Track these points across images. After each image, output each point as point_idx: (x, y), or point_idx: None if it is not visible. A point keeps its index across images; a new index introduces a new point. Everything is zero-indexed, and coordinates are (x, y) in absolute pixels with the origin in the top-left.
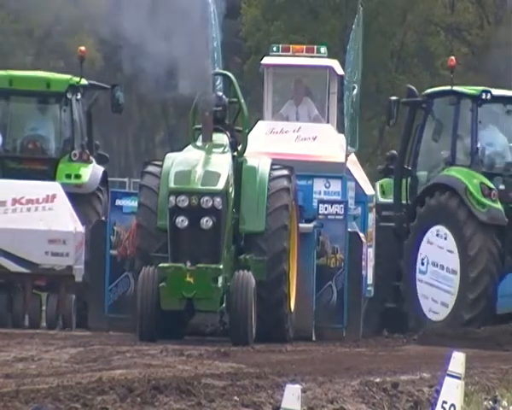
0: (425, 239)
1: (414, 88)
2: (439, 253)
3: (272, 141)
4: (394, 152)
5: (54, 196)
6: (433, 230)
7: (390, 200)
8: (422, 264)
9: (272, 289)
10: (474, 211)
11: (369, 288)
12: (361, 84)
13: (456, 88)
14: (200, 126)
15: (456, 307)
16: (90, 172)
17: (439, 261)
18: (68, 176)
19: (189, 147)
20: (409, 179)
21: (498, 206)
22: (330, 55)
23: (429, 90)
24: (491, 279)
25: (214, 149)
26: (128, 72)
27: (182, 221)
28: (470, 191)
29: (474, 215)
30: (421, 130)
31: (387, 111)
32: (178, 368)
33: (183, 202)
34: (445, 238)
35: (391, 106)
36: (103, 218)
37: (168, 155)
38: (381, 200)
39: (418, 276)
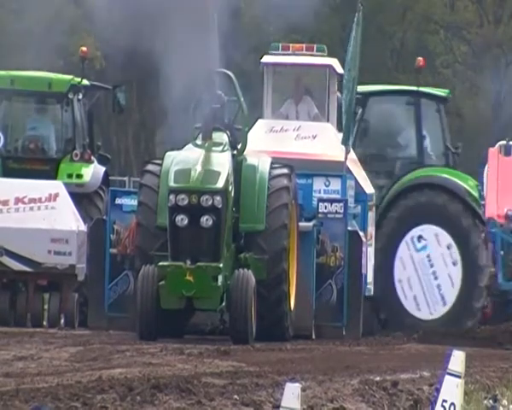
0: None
1: None
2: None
3: (272, 139)
4: None
5: (56, 195)
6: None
7: None
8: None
9: (272, 287)
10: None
11: (368, 286)
12: (360, 83)
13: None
14: (199, 125)
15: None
16: (92, 171)
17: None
18: (70, 176)
19: (189, 145)
20: None
21: None
22: (330, 54)
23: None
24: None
25: (214, 148)
26: (129, 72)
27: (182, 220)
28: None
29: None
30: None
31: None
32: (178, 367)
33: (183, 200)
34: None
35: None
36: (104, 217)
37: (168, 153)
38: None
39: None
